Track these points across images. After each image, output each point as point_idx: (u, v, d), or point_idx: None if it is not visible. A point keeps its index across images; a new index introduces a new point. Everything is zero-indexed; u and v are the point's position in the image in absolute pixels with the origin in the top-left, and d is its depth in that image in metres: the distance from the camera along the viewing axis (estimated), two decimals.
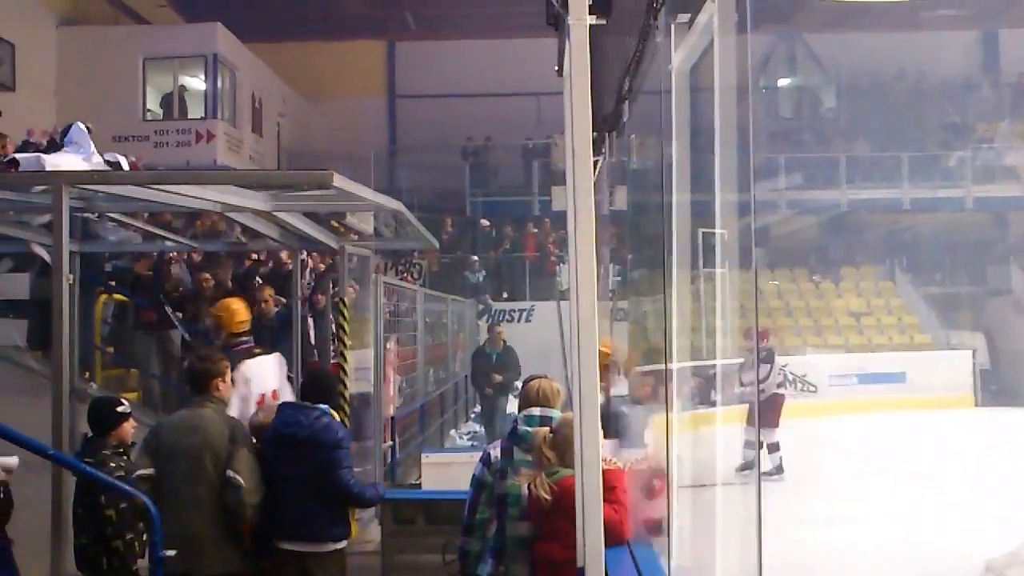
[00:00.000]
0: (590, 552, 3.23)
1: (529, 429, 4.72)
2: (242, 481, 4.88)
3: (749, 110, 3.22)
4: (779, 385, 12.31)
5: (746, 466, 9.88)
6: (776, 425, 11.83)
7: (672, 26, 3.94)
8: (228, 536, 4.98)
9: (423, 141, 24.22)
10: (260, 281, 10.65)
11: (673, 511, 4.03)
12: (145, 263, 10.20)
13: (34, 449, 4.80)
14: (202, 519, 4.88)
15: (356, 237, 8.85)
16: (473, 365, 15.16)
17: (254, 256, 11.25)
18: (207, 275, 10.02)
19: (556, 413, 4.77)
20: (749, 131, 3.19)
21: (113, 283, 10.01)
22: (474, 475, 4.92)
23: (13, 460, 4.90)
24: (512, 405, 12.10)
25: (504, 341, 14.84)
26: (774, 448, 11.78)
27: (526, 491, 4.52)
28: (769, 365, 11.82)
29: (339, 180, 5.56)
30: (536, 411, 4.81)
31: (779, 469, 11.73)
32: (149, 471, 4.96)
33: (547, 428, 4.64)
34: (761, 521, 2.74)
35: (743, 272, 3.45)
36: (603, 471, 3.86)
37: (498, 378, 14.18)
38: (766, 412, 11.44)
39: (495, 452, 4.88)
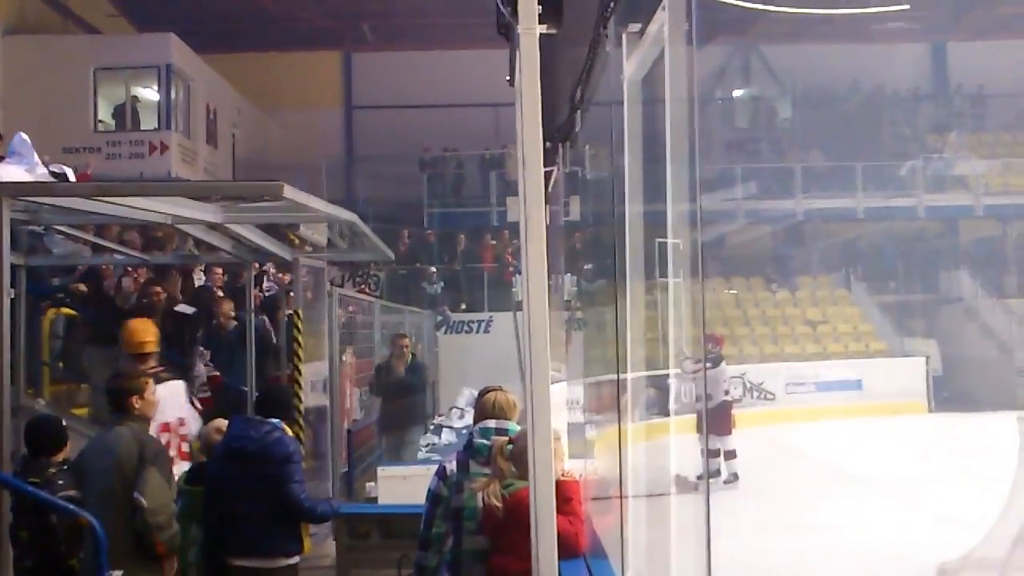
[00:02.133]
0: (544, 564, 3.19)
1: (485, 441, 4.67)
2: (145, 503, 4.71)
3: (695, 120, 3.21)
4: (727, 392, 12.29)
5: (708, 475, 9.97)
6: (728, 432, 11.86)
7: (624, 35, 3.93)
8: (141, 562, 4.76)
9: (380, 152, 24.11)
10: (221, 294, 10.45)
11: (627, 521, 4.00)
12: (79, 275, 9.93)
13: None
14: (113, 545, 4.62)
15: (310, 249, 8.75)
16: (376, 383, 11.21)
17: (218, 271, 11.02)
18: (158, 288, 9.82)
19: (513, 425, 4.73)
20: (695, 141, 3.19)
21: (62, 296, 9.77)
22: (430, 489, 4.86)
23: None
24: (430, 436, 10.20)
25: (413, 355, 11.24)
26: (731, 455, 11.83)
27: (481, 503, 4.47)
28: (715, 370, 11.83)
29: (290, 191, 5.48)
30: (492, 423, 4.76)
31: (735, 477, 11.79)
32: (72, 492, 4.82)
33: (504, 439, 4.59)
34: (710, 529, 2.73)
35: (696, 282, 3.45)
36: (559, 482, 3.85)
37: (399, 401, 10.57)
38: (717, 420, 11.47)
39: (451, 465, 4.82)
